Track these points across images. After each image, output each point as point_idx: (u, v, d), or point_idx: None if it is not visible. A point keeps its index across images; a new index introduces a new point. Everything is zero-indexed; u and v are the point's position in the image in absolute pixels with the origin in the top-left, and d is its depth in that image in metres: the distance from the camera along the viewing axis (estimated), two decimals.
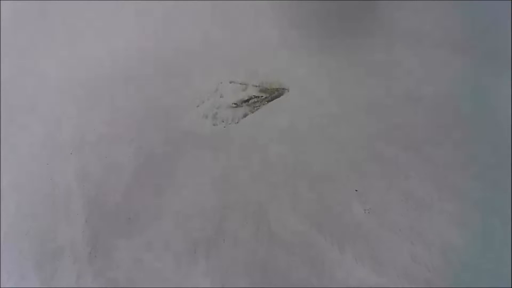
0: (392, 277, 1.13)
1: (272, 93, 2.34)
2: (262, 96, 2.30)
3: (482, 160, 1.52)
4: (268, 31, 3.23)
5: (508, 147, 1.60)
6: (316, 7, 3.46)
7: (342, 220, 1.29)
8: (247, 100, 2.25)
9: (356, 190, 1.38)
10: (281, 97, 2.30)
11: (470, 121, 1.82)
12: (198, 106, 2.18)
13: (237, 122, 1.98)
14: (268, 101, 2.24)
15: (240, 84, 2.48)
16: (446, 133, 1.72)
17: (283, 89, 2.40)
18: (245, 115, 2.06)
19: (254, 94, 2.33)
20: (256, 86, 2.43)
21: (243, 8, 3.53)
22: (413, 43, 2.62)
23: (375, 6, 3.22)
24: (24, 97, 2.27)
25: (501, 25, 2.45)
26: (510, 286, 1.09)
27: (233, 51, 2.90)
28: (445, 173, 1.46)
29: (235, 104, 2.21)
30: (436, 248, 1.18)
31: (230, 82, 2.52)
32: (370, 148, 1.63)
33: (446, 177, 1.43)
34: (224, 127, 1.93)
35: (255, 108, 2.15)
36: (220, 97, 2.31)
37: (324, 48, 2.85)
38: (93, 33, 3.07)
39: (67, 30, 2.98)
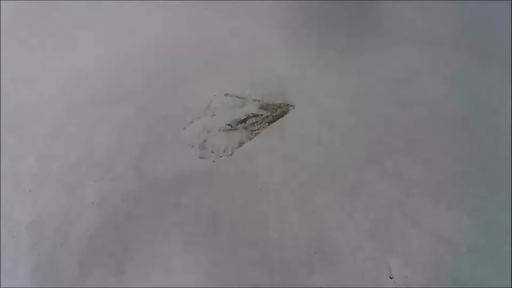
0: None
1: (275, 111, 1.95)
2: (262, 115, 1.91)
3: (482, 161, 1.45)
4: (269, 33, 2.81)
5: (508, 148, 1.55)
6: (318, 8, 3.09)
7: None
8: (244, 120, 1.87)
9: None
10: (285, 116, 1.91)
11: (470, 120, 1.76)
12: (184, 128, 1.81)
13: (230, 154, 1.61)
14: (270, 122, 1.85)
15: (238, 97, 2.08)
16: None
17: (287, 105, 1.99)
18: (241, 144, 1.68)
19: (252, 112, 1.94)
20: (256, 100, 2.03)
21: (244, 9, 3.09)
22: (414, 43, 2.53)
23: (376, 6, 3.11)
24: None
25: (501, 25, 2.45)
26: (510, 286, 1.09)
27: (231, 56, 2.48)
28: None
29: (229, 125, 1.83)
30: None
31: (226, 95, 2.13)
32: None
33: None
34: (213, 161, 1.57)
35: (254, 133, 1.77)
36: (213, 115, 1.93)
37: (327, 49, 2.49)
38: (65, 56, 2.60)
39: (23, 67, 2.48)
